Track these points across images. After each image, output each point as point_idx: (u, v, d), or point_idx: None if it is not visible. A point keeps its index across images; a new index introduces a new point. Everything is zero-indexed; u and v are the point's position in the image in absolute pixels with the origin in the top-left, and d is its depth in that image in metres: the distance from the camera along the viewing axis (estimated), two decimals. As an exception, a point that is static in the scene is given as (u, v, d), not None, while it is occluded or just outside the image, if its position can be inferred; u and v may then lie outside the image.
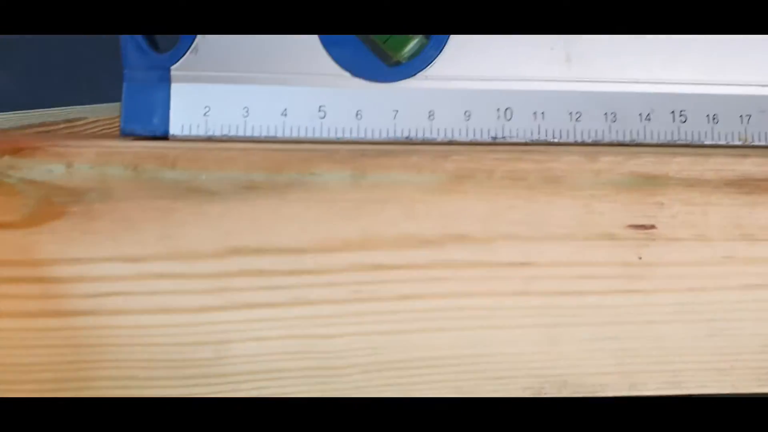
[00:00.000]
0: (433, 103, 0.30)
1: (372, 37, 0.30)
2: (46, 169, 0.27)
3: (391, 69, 0.30)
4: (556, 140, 0.30)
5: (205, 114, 0.29)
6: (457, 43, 0.30)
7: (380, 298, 0.28)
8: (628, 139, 0.30)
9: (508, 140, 0.30)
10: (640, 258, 0.28)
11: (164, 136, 0.29)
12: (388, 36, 0.30)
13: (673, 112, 0.31)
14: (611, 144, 0.30)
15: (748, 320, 0.29)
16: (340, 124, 0.29)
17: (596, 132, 0.30)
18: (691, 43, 0.30)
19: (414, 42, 0.30)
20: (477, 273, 0.28)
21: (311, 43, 0.29)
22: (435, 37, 0.30)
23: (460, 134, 0.30)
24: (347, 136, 0.29)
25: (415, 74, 0.30)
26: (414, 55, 0.30)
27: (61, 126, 0.34)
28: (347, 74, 0.30)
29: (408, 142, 0.30)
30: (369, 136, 0.30)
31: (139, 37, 0.29)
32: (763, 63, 0.31)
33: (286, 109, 0.29)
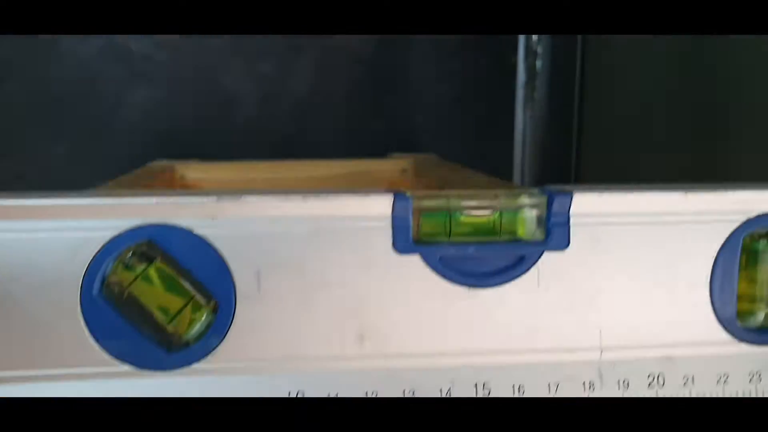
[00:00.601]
0: (212, 394, 0.28)
1: (151, 314, 0.28)
2: None
3: (171, 356, 0.28)
4: (350, 425, 0.28)
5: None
6: (242, 323, 0.28)
7: None
8: (426, 420, 0.29)
9: (299, 428, 0.28)
10: None
11: None
12: (174, 313, 0.28)
13: (476, 384, 0.29)
14: (408, 427, 0.28)
15: None
16: None
17: (392, 415, 0.28)
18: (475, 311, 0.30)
19: (202, 319, 0.28)
20: None
21: (78, 331, 0.27)
22: (220, 317, 0.28)
23: (246, 425, 0.28)
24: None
25: (194, 362, 0.28)
26: (202, 334, 0.28)
27: None
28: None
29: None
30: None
31: None
32: (570, 327, 0.30)
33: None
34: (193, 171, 0.90)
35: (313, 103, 1.01)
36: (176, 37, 0.97)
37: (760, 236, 0.31)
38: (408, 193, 0.29)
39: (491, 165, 1.04)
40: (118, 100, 0.97)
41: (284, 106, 1.01)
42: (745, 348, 0.31)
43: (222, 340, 0.28)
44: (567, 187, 0.30)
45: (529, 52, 0.98)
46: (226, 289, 0.28)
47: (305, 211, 0.28)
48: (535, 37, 0.96)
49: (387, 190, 0.29)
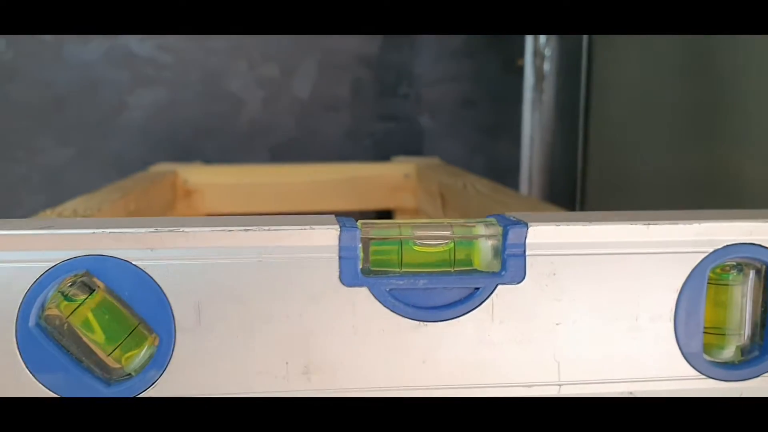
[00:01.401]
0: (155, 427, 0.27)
1: (92, 346, 0.27)
2: None
3: (110, 389, 0.27)
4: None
5: None
6: (183, 356, 0.27)
7: None
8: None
9: (240, 465, 0.27)
10: None
11: None
12: (115, 345, 0.28)
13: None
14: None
15: None
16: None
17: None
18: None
19: (144, 350, 0.28)
20: None
21: (15, 362, 0.27)
22: (160, 349, 0.27)
23: (186, 461, 0.27)
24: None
25: (137, 394, 0.27)
26: (144, 365, 0.28)
27: None
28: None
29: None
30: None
31: None
32: (526, 361, 0.29)
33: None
34: (195, 174, 0.90)
35: (316, 105, 1.00)
36: (179, 40, 0.97)
37: (730, 268, 0.30)
38: (357, 223, 0.28)
39: (498, 168, 1.03)
40: (122, 103, 0.97)
41: (287, 109, 1.00)
42: (712, 384, 0.30)
43: (162, 373, 0.27)
44: (524, 217, 0.29)
45: (536, 54, 0.97)
46: (165, 321, 0.27)
47: (248, 242, 0.27)
48: (542, 38, 0.95)
49: (334, 219, 0.28)
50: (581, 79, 0.91)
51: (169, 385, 0.27)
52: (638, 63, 0.77)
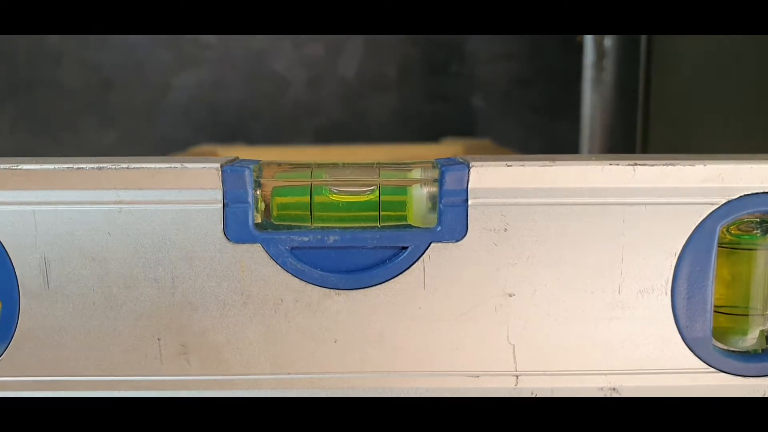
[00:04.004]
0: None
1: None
2: None
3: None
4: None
5: None
6: (30, 326, 0.22)
7: None
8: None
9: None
10: None
11: None
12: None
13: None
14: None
15: None
16: None
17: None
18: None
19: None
20: None
21: None
22: (3, 317, 0.22)
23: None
24: None
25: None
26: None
27: None
28: None
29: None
30: None
31: None
32: (470, 344, 0.22)
33: None
34: (235, 155, 0.86)
35: (363, 85, 0.96)
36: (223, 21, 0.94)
37: (751, 226, 0.23)
38: (253, 165, 0.22)
39: (555, 151, 0.95)
40: (167, 84, 0.95)
41: (332, 89, 0.96)
42: (724, 380, 0.23)
43: (7, 347, 0.22)
44: (472, 159, 0.22)
45: (597, 28, 0.89)
46: (6, 282, 0.22)
47: (102, 183, 0.21)
48: (604, 11, 0.87)
49: (218, 159, 0.22)
50: (641, 56, 0.83)
51: (15, 363, 0.22)
52: (701, 38, 0.69)
